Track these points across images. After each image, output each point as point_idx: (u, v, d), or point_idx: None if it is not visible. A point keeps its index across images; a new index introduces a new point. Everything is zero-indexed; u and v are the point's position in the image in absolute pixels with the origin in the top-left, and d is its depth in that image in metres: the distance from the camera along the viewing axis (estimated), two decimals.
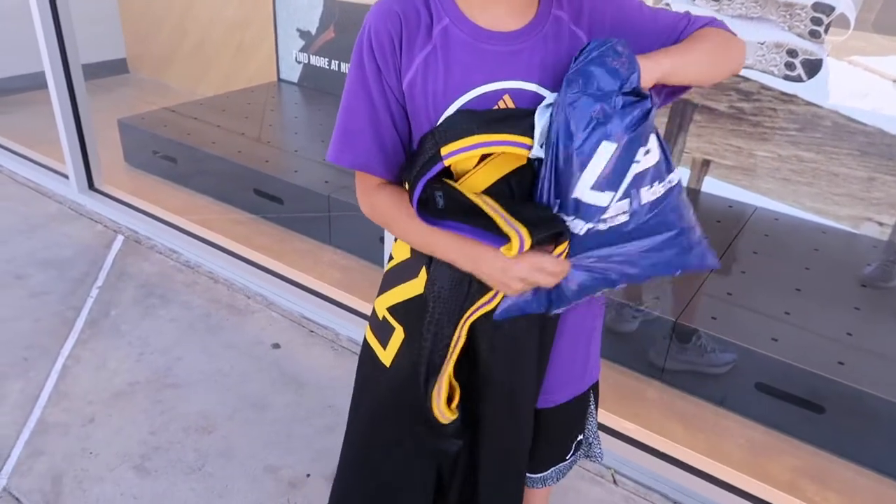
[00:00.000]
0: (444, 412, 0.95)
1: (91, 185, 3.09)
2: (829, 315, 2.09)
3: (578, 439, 1.17)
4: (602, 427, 1.85)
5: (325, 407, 1.98)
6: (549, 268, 0.86)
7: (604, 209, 0.84)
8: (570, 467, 1.20)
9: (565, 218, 0.87)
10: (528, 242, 0.83)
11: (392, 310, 1.03)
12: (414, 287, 0.99)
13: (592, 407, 1.17)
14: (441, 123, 0.89)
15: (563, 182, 0.84)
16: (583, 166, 0.82)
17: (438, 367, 0.94)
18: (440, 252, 0.91)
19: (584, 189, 0.83)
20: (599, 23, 0.92)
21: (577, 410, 1.11)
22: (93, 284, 2.53)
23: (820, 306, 2.13)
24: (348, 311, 2.32)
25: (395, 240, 1.04)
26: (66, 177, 3.09)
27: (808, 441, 1.89)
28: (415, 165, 0.89)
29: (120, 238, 2.85)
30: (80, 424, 1.91)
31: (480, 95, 0.89)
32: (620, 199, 0.85)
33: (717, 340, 2.00)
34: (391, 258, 1.06)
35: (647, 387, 2.10)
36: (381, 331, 1.05)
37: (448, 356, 0.93)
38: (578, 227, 0.86)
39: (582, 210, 0.85)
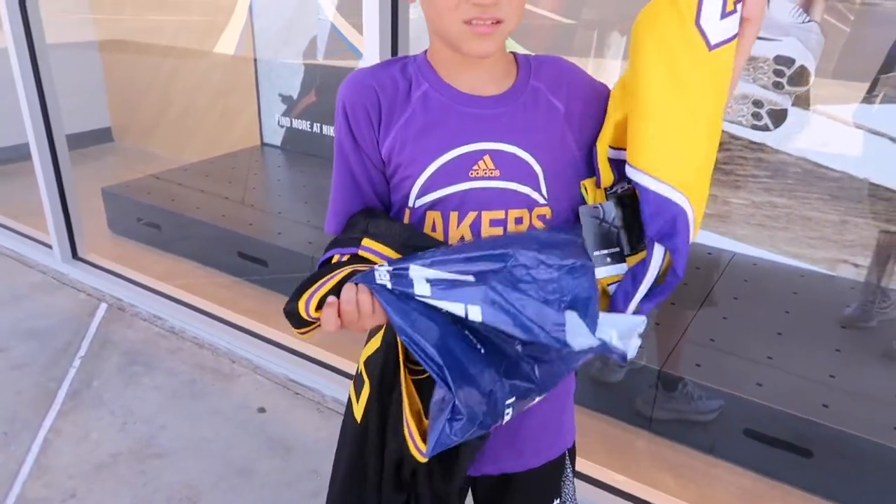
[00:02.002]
0: (420, 447, 0.93)
1: (75, 255, 3.09)
2: (812, 358, 2.11)
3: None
4: (592, 480, 1.83)
5: (311, 471, 1.95)
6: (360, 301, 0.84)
7: None
8: None
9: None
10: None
11: (366, 362, 1.03)
12: (379, 339, 1.00)
13: (569, 471, 1.15)
14: (391, 224, 0.93)
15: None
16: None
17: (399, 413, 0.94)
18: None
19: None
20: (576, 98, 0.96)
21: (553, 475, 1.09)
22: (75, 354, 2.51)
23: (802, 349, 2.15)
24: (333, 372, 2.31)
25: None
26: (50, 247, 3.09)
27: (799, 486, 1.88)
28: (347, 227, 0.95)
29: (103, 306, 2.84)
30: (60, 500, 1.86)
31: (461, 155, 0.91)
32: None
33: (703, 387, 2.01)
34: None
35: (635, 437, 2.09)
36: (357, 384, 1.04)
37: (403, 399, 0.93)
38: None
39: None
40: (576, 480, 1.57)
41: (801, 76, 2.53)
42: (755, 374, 2.01)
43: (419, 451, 0.91)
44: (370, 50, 1.78)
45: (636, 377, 2.11)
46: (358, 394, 1.03)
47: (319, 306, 0.85)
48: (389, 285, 0.82)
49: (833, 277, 2.59)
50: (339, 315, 0.84)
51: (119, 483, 1.92)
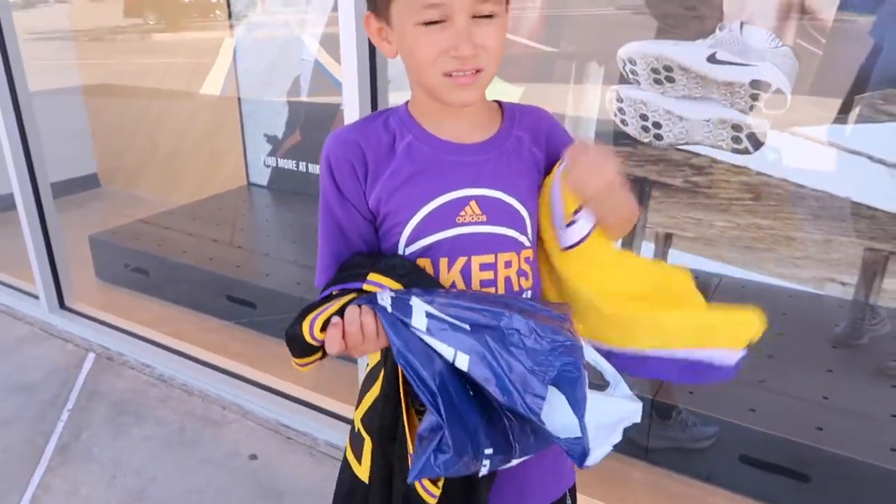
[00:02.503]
0: (430, 489, 0.92)
1: (62, 304, 3.06)
2: (804, 379, 2.10)
3: None
4: None
5: None
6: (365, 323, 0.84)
7: None
8: None
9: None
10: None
11: (363, 419, 1.02)
12: (375, 391, 0.99)
13: None
14: (393, 258, 0.93)
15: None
16: None
17: (404, 455, 0.92)
18: None
19: None
20: (555, 148, 0.99)
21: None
22: (63, 407, 2.47)
23: (794, 371, 2.14)
24: (325, 415, 2.28)
25: None
26: (37, 297, 3.07)
27: None
28: (346, 267, 0.94)
29: (91, 356, 2.81)
30: None
31: (448, 202, 0.93)
32: None
33: (698, 415, 2.00)
34: (367, 364, 1.06)
35: (631, 468, 2.07)
36: (356, 443, 1.02)
37: (406, 440, 0.91)
38: None
39: None
40: None
41: (777, 100, 2.56)
42: (748, 398, 2.00)
43: (427, 491, 0.90)
44: (349, 89, 1.79)
45: None
46: (359, 454, 1.00)
47: (324, 328, 0.85)
48: (390, 308, 0.82)
49: (821, 297, 2.59)
50: (343, 337, 0.84)
51: None
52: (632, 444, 2.10)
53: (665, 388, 2.09)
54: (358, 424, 1.03)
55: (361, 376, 2.12)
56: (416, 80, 0.94)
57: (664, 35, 2.73)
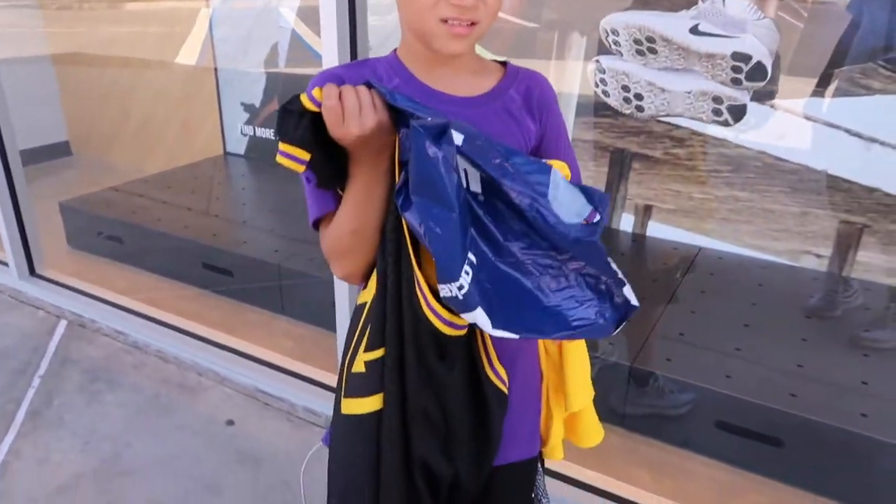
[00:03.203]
0: (439, 311, 0.85)
1: (32, 271, 3.00)
2: (779, 348, 2.13)
3: (532, 498, 1.16)
4: (567, 479, 1.83)
5: (282, 482, 1.91)
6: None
7: None
8: None
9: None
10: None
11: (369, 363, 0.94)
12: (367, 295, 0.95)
13: (541, 468, 1.16)
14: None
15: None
16: None
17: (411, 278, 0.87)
18: (356, 181, 0.89)
19: None
20: (542, 119, 0.98)
21: (529, 471, 1.09)
22: (34, 374, 2.43)
23: (769, 340, 2.17)
24: (304, 381, 2.27)
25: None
26: (6, 264, 3.00)
27: (771, 476, 1.89)
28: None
29: (63, 323, 2.76)
30: None
31: None
32: None
33: (674, 381, 2.02)
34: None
35: (609, 434, 2.07)
36: (365, 380, 0.94)
37: (409, 253, 0.86)
38: None
39: None
40: (553, 480, 1.57)
41: (757, 72, 2.57)
42: (724, 366, 2.02)
43: (439, 317, 0.86)
44: (328, 56, 1.76)
45: (608, 374, 2.11)
46: (371, 387, 0.93)
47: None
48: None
49: (797, 268, 2.63)
50: (340, 99, 0.81)
51: None
52: (609, 411, 2.11)
53: (642, 354, 2.11)
54: (360, 368, 0.94)
55: (340, 343, 2.12)
56: (409, 25, 0.93)
57: (647, 6, 2.71)
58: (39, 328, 2.73)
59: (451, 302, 0.80)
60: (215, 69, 4.02)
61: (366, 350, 0.92)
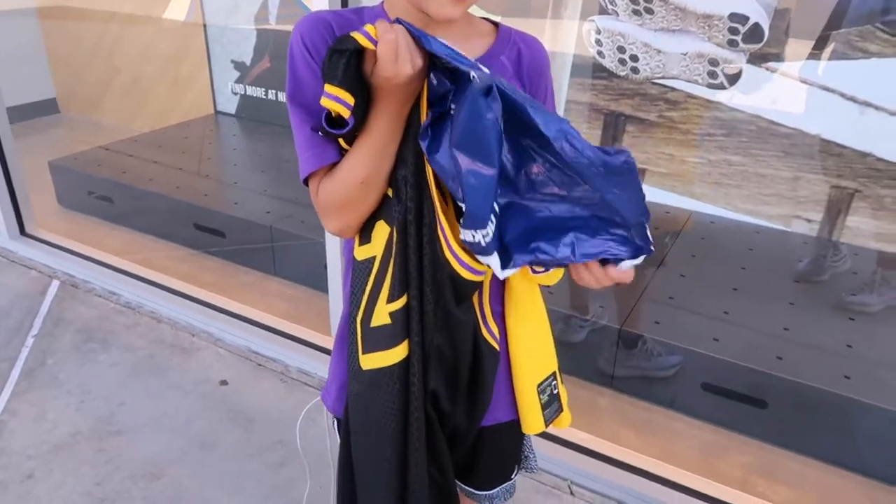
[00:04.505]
0: (461, 255, 0.86)
1: (23, 231, 2.98)
2: (766, 312, 2.16)
3: (520, 458, 1.18)
4: (556, 439, 1.86)
5: (276, 442, 1.94)
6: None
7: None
8: (514, 486, 1.21)
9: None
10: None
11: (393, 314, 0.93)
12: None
13: None
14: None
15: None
16: None
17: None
18: (378, 128, 0.86)
19: None
20: (531, 85, 0.96)
21: (515, 431, 1.11)
22: (28, 333, 2.44)
23: (757, 304, 2.20)
24: (297, 342, 2.29)
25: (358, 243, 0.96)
26: None
27: (756, 437, 1.94)
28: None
29: (55, 283, 2.76)
30: (18, 481, 1.83)
31: None
32: None
33: (662, 344, 2.04)
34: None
35: (598, 395, 2.12)
36: (393, 330, 0.92)
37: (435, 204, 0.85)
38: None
39: None
40: (539, 439, 1.60)
41: (754, 34, 2.54)
42: (712, 329, 2.05)
43: (459, 261, 0.86)
44: (319, 5, 1.73)
45: (598, 336, 2.14)
46: (396, 338, 0.92)
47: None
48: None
49: (787, 233, 2.64)
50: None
51: (79, 462, 1.89)
52: (598, 373, 2.15)
53: (631, 318, 2.13)
54: (385, 320, 0.92)
55: (333, 305, 2.12)
56: None
57: None
58: (32, 288, 2.73)
59: (471, 247, 0.82)
60: (204, 25, 3.94)
61: (388, 301, 0.91)
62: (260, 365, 2.28)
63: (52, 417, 2.05)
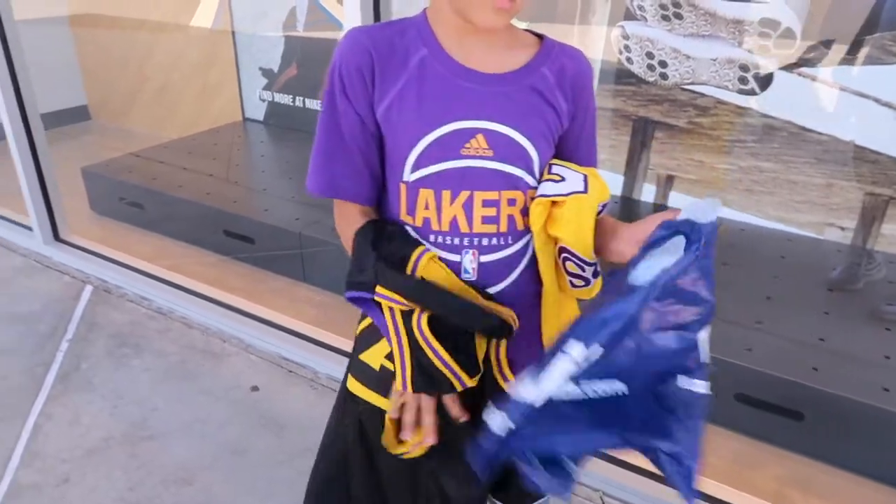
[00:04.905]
0: (462, 378, 0.90)
1: (56, 237, 3.04)
2: (801, 321, 2.12)
3: None
4: None
5: (306, 449, 1.95)
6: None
7: None
8: (548, 502, 1.20)
9: None
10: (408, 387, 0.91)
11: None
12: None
13: None
14: (389, 273, 0.90)
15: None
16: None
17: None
18: None
19: None
20: (574, 99, 0.96)
21: None
22: (62, 338, 2.48)
23: (791, 313, 2.16)
24: (326, 349, 2.30)
25: None
26: (30, 229, 3.04)
27: (791, 449, 1.91)
28: (358, 265, 0.93)
29: (89, 288, 2.80)
30: (53, 485, 1.85)
31: (454, 131, 0.90)
32: None
33: None
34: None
35: None
36: (384, 381, 0.98)
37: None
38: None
39: None
40: None
41: (786, 38, 2.51)
42: (745, 339, 2.02)
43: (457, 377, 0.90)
44: (351, 19, 1.74)
45: None
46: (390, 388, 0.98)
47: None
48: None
49: (820, 241, 2.60)
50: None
51: (112, 466, 1.91)
52: None
53: None
54: (382, 362, 1.00)
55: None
56: None
57: None
58: (66, 293, 2.77)
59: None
60: (232, 32, 3.98)
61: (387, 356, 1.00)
62: (290, 371, 2.30)
63: (86, 422, 2.08)
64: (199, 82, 4.27)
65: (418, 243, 0.94)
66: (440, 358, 0.88)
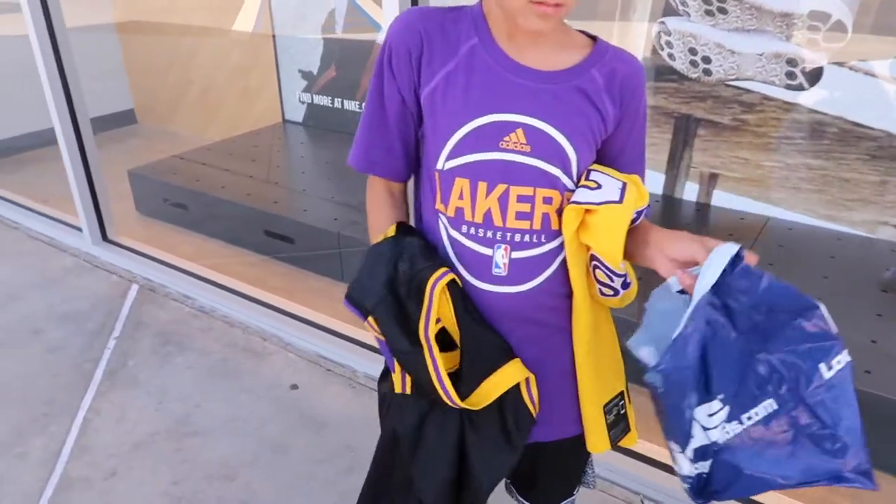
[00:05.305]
0: (449, 389, 0.91)
1: (104, 237, 3.12)
2: (852, 323, 2.05)
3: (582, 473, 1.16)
4: (628, 451, 1.82)
5: (345, 447, 1.96)
6: None
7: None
8: (575, 502, 1.18)
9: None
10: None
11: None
12: None
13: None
14: (389, 326, 0.92)
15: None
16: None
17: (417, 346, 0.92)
18: None
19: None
20: (624, 105, 0.94)
21: (582, 447, 1.08)
22: (110, 335, 2.54)
23: (841, 315, 2.06)
24: (364, 348, 2.31)
25: None
26: (80, 230, 3.13)
27: None
28: (362, 284, 0.95)
29: (135, 287, 2.87)
30: (102, 478, 1.90)
31: (494, 122, 0.90)
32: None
33: None
34: None
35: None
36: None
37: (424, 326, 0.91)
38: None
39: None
40: (613, 452, 1.55)
41: (837, 31, 2.43)
42: None
43: (446, 390, 0.91)
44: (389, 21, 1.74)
45: None
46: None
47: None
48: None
49: (872, 240, 2.52)
50: None
51: (158, 461, 1.95)
52: None
53: None
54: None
55: None
56: None
57: None
58: (113, 292, 2.85)
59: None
60: (273, 36, 4.04)
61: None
62: (329, 370, 2.32)
63: (132, 417, 2.13)
64: (240, 85, 4.34)
65: (435, 266, 0.92)
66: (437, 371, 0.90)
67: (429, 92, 0.92)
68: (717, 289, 0.80)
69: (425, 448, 0.96)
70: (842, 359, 0.81)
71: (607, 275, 0.92)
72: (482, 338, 0.93)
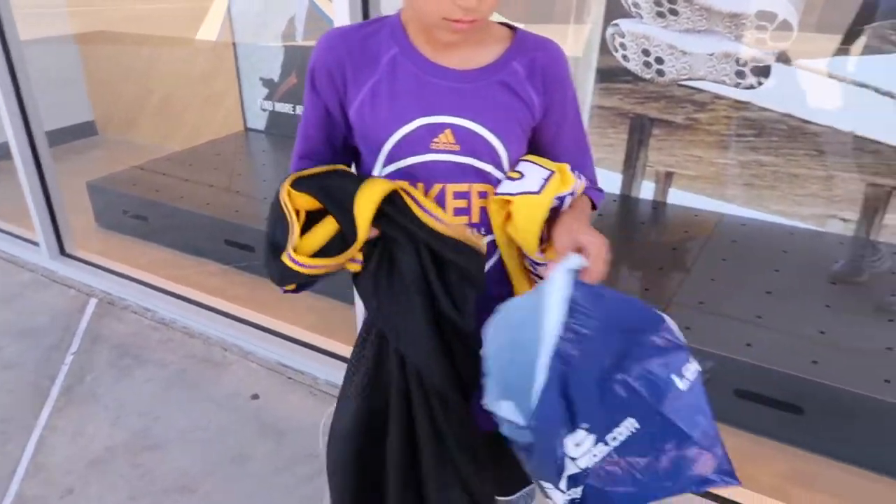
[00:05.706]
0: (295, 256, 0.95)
1: (63, 251, 3.07)
2: (801, 315, 2.10)
3: None
4: None
5: (306, 455, 1.96)
6: None
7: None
8: (535, 490, 1.20)
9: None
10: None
11: None
12: None
13: None
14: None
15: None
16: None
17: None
18: None
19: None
20: (548, 92, 0.95)
21: None
22: (67, 350, 2.51)
23: (791, 307, 2.14)
24: (325, 355, 2.31)
25: None
26: (37, 244, 3.08)
27: (792, 444, 1.89)
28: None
29: (93, 301, 2.83)
30: (58, 496, 1.87)
31: (423, 126, 0.92)
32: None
33: (693, 350, 2.00)
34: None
35: None
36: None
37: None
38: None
39: None
40: None
41: (783, 31, 2.49)
42: (745, 334, 2.00)
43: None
44: (341, 21, 1.75)
45: None
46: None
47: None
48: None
49: (822, 234, 2.58)
50: None
51: (116, 476, 1.93)
52: None
53: None
54: None
55: (359, 316, 2.14)
56: (413, 6, 0.91)
57: None
58: (71, 306, 2.81)
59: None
60: (234, 44, 4.02)
61: None
62: (290, 378, 2.31)
63: (89, 433, 2.10)
64: (201, 94, 4.31)
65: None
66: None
67: (357, 107, 0.94)
68: (569, 310, 0.81)
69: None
70: (692, 368, 0.83)
71: (531, 263, 0.94)
72: (334, 190, 0.94)
